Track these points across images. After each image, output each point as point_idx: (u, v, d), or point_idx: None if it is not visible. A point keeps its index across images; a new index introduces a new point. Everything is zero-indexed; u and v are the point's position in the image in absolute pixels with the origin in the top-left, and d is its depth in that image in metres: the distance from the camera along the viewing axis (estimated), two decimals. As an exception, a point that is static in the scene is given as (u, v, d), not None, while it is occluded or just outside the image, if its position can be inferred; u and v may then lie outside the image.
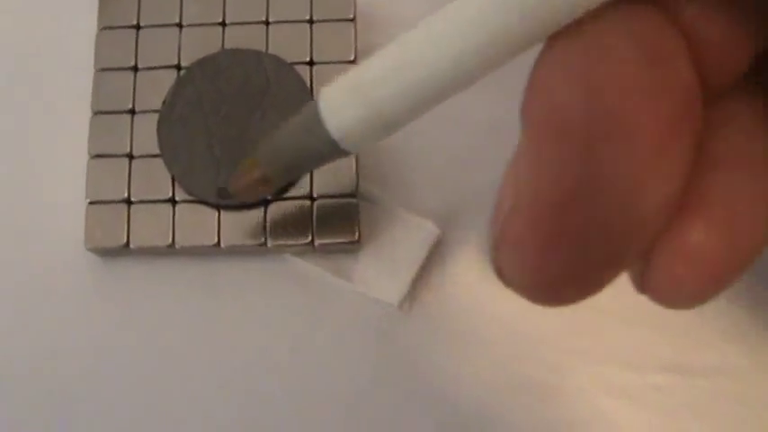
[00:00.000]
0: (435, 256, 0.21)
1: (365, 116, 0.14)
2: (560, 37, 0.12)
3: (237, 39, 0.21)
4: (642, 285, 0.13)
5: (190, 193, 0.20)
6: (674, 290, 0.12)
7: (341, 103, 0.14)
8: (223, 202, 0.20)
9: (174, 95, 0.21)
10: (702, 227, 0.12)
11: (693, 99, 0.12)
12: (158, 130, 0.21)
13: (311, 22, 0.21)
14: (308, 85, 0.21)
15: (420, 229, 0.21)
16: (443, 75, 0.13)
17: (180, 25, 0.22)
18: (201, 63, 0.21)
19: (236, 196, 0.18)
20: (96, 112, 0.21)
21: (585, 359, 0.20)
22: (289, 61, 0.21)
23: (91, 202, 0.21)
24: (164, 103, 0.21)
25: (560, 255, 0.11)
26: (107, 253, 0.21)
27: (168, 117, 0.21)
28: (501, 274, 0.12)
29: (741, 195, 0.12)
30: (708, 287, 0.12)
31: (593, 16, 0.11)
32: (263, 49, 0.21)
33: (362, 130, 0.14)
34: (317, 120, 0.14)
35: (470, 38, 0.12)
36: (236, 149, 0.20)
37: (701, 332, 0.21)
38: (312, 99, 0.20)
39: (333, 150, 0.15)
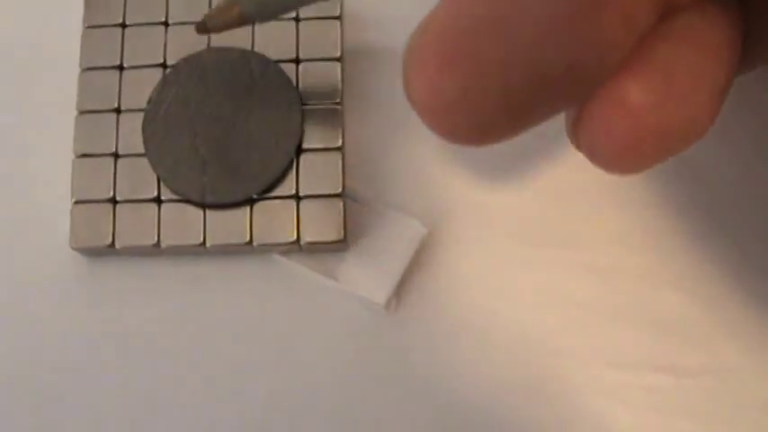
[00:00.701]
0: (422, 255, 0.21)
1: None
2: None
3: (223, 37, 0.21)
4: (577, 138, 0.13)
5: (175, 193, 0.20)
6: (608, 142, 0.13)
7: None
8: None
9: (160, 94, 0.21)
10: (640, 85, 0.12)
11: None
12: (143, 129, 0.21)
13: (297, 20, 0.21)
14: (295, 82, 0.21)
15: (407, 227, 0.21)
16: None
17: (166, 24, 0.21)
18: (187, 61, 0.21)
19: (213, 31, 0.19)
20: (81, 112, 0.21)
21: (577, 359, 0.20)
22: (275, 59, 0.21)
23: (76, 202, 0.20)
24: (149, 101, 0.21)
25: (458, 76, 0.12)
26: (92, 252, 0.21)
27: (153, 116, 0.21)
28: (408, 93, 0.12)
29: (684, 68, 0.13)
30: (640, 144, 0.12)
31: None
32: (249, 48, 0.21)
33: None
34: None
35: None
36: (221, 149, 0.20)
37: (695, 332, 0.20)
38: (298, 97, 0.20)
39: None
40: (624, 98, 0.12)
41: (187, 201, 0.20)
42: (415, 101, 0.12)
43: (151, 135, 0.21)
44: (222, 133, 0.20)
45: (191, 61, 0.21)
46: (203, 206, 0.20)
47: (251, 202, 0.20)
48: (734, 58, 0.13)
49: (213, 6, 0.19)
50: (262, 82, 0.21)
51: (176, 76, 0.21)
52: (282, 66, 0.21)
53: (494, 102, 0.12)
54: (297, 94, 0.21)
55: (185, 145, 0.20)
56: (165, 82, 0.21)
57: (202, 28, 0.19)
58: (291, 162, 0.20)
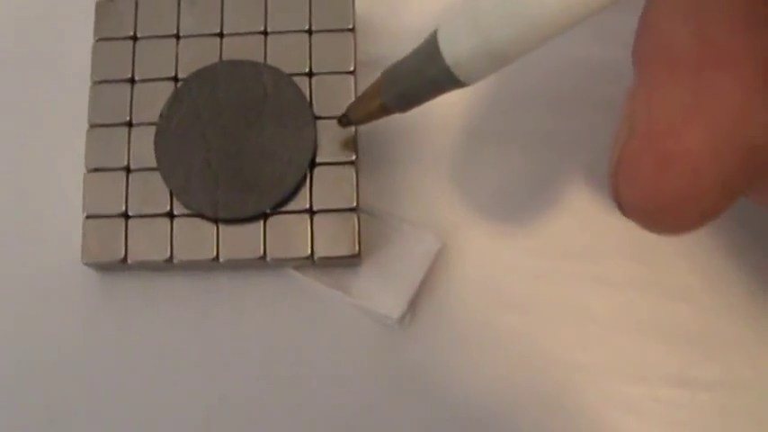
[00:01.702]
0: (437, 269, 0.21)
1: (477, 45, 0.14)
2: None
3: (235, 50, 0.21)
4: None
5: (187, 207, 0.20)
6: None
7: (457, 31, 0.15)
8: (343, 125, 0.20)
9: (171, 108, 0.21)
10: None
11: None
12: (155, 142, 0.20)
13: (310, 32, 0.21)
14: (308, 96, 0.21)
15: (421, 241, 0.20)
16: (551, 12, 0.13)
17: (177, 36, 0.21)
18: (198, 75, 0.21)
19: (356, 123, 0.19)
20: (93, 125, 0.21)
21: (590, 373, 0.20)
22: (288, 72, 0.21)
23: (88, 216, 0.20)
24: (161, 115, 0.21)
25: (674, 175, 0.12)
26: (104, 267, 0.21)
27: (165, 129, 0.21)
28: (619, 198, 0.13)
29: None
30: None
31: None
32: (262, 60, 0.21)
33: (475, 59, 0.15)
34: (435, 47, 0.15)
35: None
36: (233, 163, 0.20)
37: (710, 346, 0.20)
38: (311, 110, 0.20)
39: (447, 78, 0.15)
40: None
41: (200, 215, 0.20)
42: (631, 206, 0.13)
43: (163, 149, 0.20)
44: (235, 147, 0.20)
45: (202, 74, 0.21)
46: (216, 221, 0.20)
47: (264, 216, 0.20)
48: None
49: (355, 97, 0.19)
50: (274, 96, 0.20)
51: (188, 90, 0.21)
52: (295, 79, 0.21)
53: (711, 189, 0.12)
54: (309, 107, 0.20)
55: (198, 159, 0.20)
56: (176, 95, 0.21)
57: (345, 121, 0.19)
58: (305, 177, 0.20)
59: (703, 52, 0.12)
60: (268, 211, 0.20)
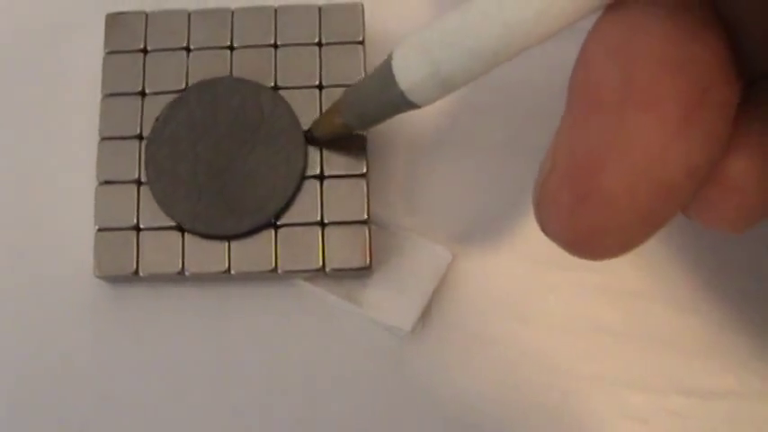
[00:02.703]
0: (447, 280, 0.21)
1: (428, 73, 0.15)
2: (606, 14, 0.13)
3: (245, 63, 0.21)
4: (688, 214, 0.14)
5: (168, 216, 0.20)
6: (712, 212, 0.14)
7: (408, 60, 0.15)
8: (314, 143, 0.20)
9: (168, 115, 0.21)
10: (741, 165, 0.13)
11: (723, 72, 0.13)
12: (146, 148, 0.21)
13: (320, 45, 0.21)
14: (318, 109, 0.21)
15: (432, 253, 0.21)
16: (493, 43, 0.14)
17: (188, 49, 0.21)
18: (199, 87, 0.21)
19: (320, 139, 0.20)
20: (104, 138, 0.21)
21: (601, 383, 0.20)
22: (299, 85, 0.21)
23: (99, 229, 0.20)
24: (156, 119, 0.21)
25: (591, 211, 0.13)
26: (116, 280, 0.21)
27: (159, 137, 0.21)
28: (543, 228, 0.14)
29: None
30: (747, 216, 0.14)
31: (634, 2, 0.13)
32: (273, 74, 0.21)
33: (426, 86, 0.15)
34: (389, 73, 0.16)
35: (519, 12, 0.13)
36: (219, 179, 0.20)
37: (719, 355, 0.20)
38: (302, 136, 0.20)
39: (402, 102, 0.16)
40: (729, 179, 0.13)
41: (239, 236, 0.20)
42: (553, 236, 0.13)
43: (152, 156, 0.20)
44: (223, 164, 0.20)
45: (203, 87, 0.21)
46: (227, 238, 0.20)
47: (275, 228, 0.20)
48: None
49: (318, 116, 0.20)
50: (270, 120, 0.20)
51: (187, 100, 0.21)
52: (305, 92, 0.21)
53: (628, 224, 0.13)
54: (302, 135, 0.20)
55: (184, 170, 0.20)
56: (174, 104, 0.21)
57: (310, 136, 0.20)
58: (288, 203, 0.20)
59: (627, 91, 0.12)
60: (278, 222, 0.20)
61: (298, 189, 0.20)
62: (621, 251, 0.13)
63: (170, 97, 0.21)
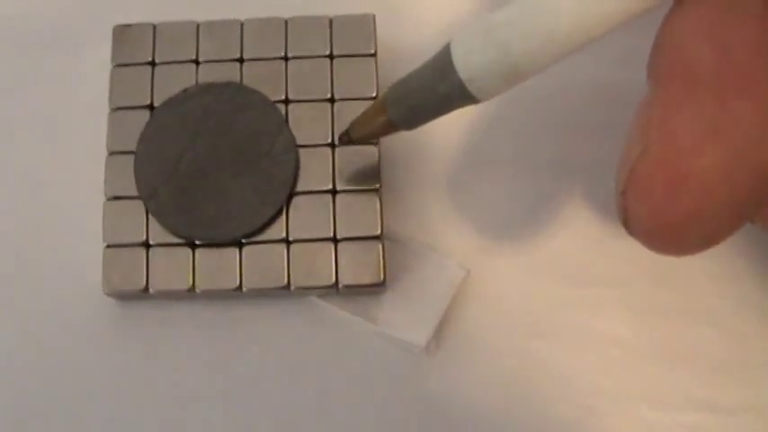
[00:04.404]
0: (462, 296, 0.20)
1: (494, 58, 0.14)
2: None
3: (255, 75, 0.21)
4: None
5: (167, 230, 0.20)
6: None
7: (471, 45, 0.14)
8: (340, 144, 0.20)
9: (162, 112, 0.21)
10: None
11: None
12: (140, 138, 0.20)
13: (331, 57, 0.21)
14: (330, 121, 0.20)
15: (446, 269, 0.20)
16: (567, 27, 0.13)
17: (196, 62, 0.21)
18: (206, 87, 0.21)
19: (357, 141, 0.18)
20: (112, 153, 0.21)
21: (616, 398, 0.20)
22: (310, 98, 0.21)
23: (108, 246, 0.20)
24: (149, 106, 0.21)
25: (687, 196, 0.12)
26: (125, 297, 0.20)
27: (145, 150, 0.20)
28: (627, 217, 0.13)
29: None
30: None
31: None
32: (284, 87, 0.21)
33: (491, 73, 0.14)
34: (447, 61, 0.15)
35: None
36: (199, 186, 0.20)
37: (734, 370, 0.20)
38: (295, 159, 0.20)
39: (461, 94, 0.15)
40: None
41: (222, 244, 0.20)
42: (639, 226, 0.13)
43: (144, 145, 0.20)
44: (211, 173, 0.20)
45: (213, 88, 0.21)
46: (240, 245, 0.20)
47: (287, 243, 0.20)
48: None
49: (359, 114, 0.18)
50: (268, 151, 0.20)
51: (185, 99, 0.21)
52: (317, 105, 0.21)
53: (721, 211, 0.12)
54: (295, 156, 0.20)
55: (173, 183, 0.20)
56: (169, 102, 0.21)
57: (345, 139, 0.18)
58: (274, 218, 0.20)
59: (724, 73, 0.12)
60: (290, 239, 0.20)
61: (286, 204, 0.20)
62: (706, 245, 0.13)
63: (179, 110, 0.21)
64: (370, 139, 0.18)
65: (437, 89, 0.15)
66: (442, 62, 0.15)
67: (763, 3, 0.12)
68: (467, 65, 0.14)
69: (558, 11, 0.13)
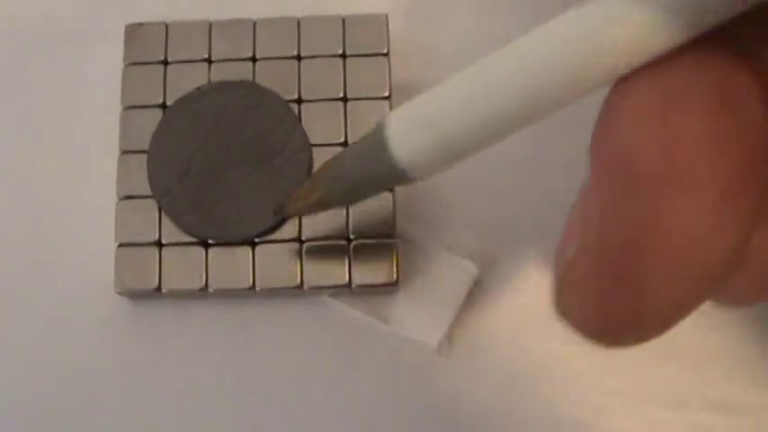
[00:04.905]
0: (475, 296, 0.20)
1: (433, 146, 0.13)
2: (630, 79, 0.12)
3: (268, 74, 0.21)
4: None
5: (180, 229, 0.20)
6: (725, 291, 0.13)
7: (408, 131, 0.14)
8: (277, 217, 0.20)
9: (174, 111, 0.21)
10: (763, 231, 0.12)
11: (766, 145, 0.12)
12: (153, 136, 0.20)
13: (344, 56, 0.21)
14: (343, 122, 0.20)
15: (459, 268, 0.20)
16: (512, 107, 0.12)
17: (209, 61, 0.21)
18: (219, 86, 0.21)
19: (292, 215, 0.18)
20: (124, 152, 0.20)
21: (627, 398, 0.20)
22: (323, 98, 0.21)
23: (120, 245, 0.20)
24: (162, 106, 0.21)
25: (623, 298, 0.11)
26: (138, 296, 0.20)
27: (158, 148, 0.20)
28: (565, 315, 0.12)
29: None
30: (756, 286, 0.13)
31: (664, 59, 0.11)
32: (296, 86, 0.21)
33: (430, 160, 0.14)
34: (383, 147, 0.14)
35: (541, 74, 0.12)
36: (212, 184, 0.20)
37: (743, 369, 0.20)
38: (309, 159, 0.20)
39: (398, 178, 0.15)
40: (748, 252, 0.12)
41: (235, 243, 0.20)
42: (575, 326, 0.12)
43: (156, 144, 0.20)
44: (220, 168, 0.20)
45: (225, 86, 0.21)
46: (253, 245, 0.20)
47: (300, 243, 0.20)
48: None
49: (296, 190, 0.18)
50: (282, 150, 0.20)
51: (198, 97, 0.21)
52: (330, 104, 0.21)
53: (660, 311, 0.12)
54: (309, 160, 0.20)
55: (185, 182, 0.20)
56: (186, 98, 0.21)
57: (279, 210, 0.18)
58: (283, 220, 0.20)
59: (667, 171, 0.11)
60: (304, 238, 0.20)
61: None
62: (647, 340, 0.12)
63: (191, 109, 0.21)
64: (306, 213, 0.19)
65: (371, 172, 0.15)
66: (376, 145, 0.14)
67: (706, 92, 0.11)
68: (402, 149, 0.14)
69: (498, 95, 0.12)
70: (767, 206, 0.12)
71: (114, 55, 0.21)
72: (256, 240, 0.20)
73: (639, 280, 0.11)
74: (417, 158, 0.14)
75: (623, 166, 0.11)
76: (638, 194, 0.11)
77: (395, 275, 0.20)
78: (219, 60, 0.21)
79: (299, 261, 0.20)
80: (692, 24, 0.11)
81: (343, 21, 0.21)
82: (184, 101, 0.21)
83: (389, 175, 0.15)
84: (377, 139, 0.14)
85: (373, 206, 0.20)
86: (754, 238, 0.12)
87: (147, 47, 0.21)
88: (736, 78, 0.11)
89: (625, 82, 0.12)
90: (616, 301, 0.12)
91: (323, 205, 0.17)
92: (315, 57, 0.21)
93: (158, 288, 0.20)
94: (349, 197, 0.17)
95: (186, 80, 0.21)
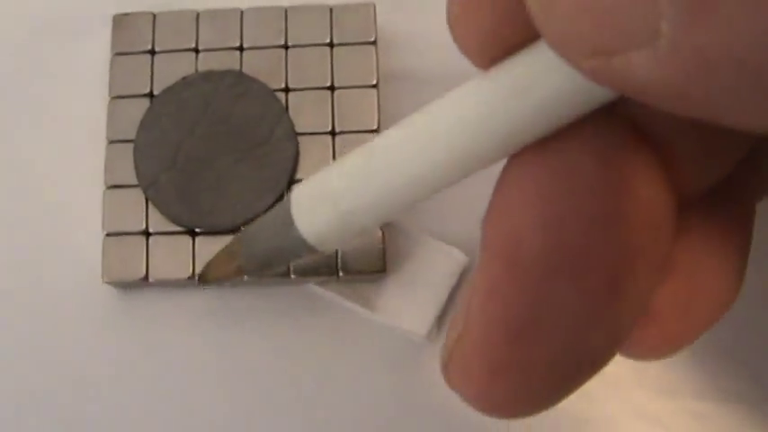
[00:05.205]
0: (463, 284, 0.20)
1: (335, 223, 0.14)
2: (522, 155, 0.11)
3: (255, 64, 0.21)
4: None
5: (167, 218, 0.20)
6: (632, 348, 0.13)
7: (311, 208, 0.14)
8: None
9: (161, 100, 0.20)
10: (666, 297, 0.12)
11: (655, 225, 0.11)
12: (140, 124, 0.20)
13: (331, 45, 0.21)
14: (330, 110, 0.20)
15: (447, 256, 0.20)
16: (410, 185, 0.12)
17: (196, 50, 0.21)
18: (206, 75, 0.21)
19: (214, 282, 0.19)
20: (112, 141, 0.20)
21: (618, 386, 0.20)
22: (309, 86, 0.21)
23: (108, 234, 0.20)
24: (149, 95, 0.21)
25: (507, 383, 0.11)
26: (125, 286, 0.20)
27: (144, 138, 0.20)
28: (452, 389, 0.12)
29: (707, 263, 0.13)
30: (665, 348, 0.13)
31: (556, 135, 0.11)
32: (284, 75, 0.21)
33: (333, 235, 0.14)
34: (289, 222, 0.15)
35: (435, 153, 0.12)
36: (199, 173, 0.20)
37: (737, 356, 0.20)
38: (295, 148, 0.20)
39: (305, 249, 0.15)
40: (653, 310, 0.12)
41: (222, 232, 0.20)
42: (464, 400, 0.12)
43: (143, 134, 0.20)
44: (205, 158, 0.20)
45: (213, 75, 0.21)
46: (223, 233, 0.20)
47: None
48: (751, 223, 0.13)
49: (212, 258, 0.18)
50: (269, 138, 0.20)
51: (185, 87, 0.21)
52: (317, 93, 0.20)
53: (544, 391, 0.12)
54: (295, 145, 0.20)
55: (171, 172, 0.20)
56: (171, 89, 0.21)
57: (203, 279, 0.19)
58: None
59: (549, 255, 0.11)
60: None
61: (287, 191, 0.20)
62: (539, 412, 0.12)
63: (178, 99, 0.21)
64: (224, 280, 0.19)
65: (281, 245, 0.16)
66: (284, 221, 0.15)
67: (599, 170, 0.11)
68: (309, 227, 0.14)
69: (391, 174, 0.12)
70: (659, 281, 0.12)
71: (102, 45, 0.21)
72: (243, 229, 0.20)
73: (521, 366, 0.11)
74: (320, 233, 0.14)
75: (507, 248, 0.11)
76: (520, 280, 0.11)
77: (383, 263, 0.20)
78: (207, 50, 0.21)
79: (286, 249, 0.20)
80: (581, 103, 0.10)
81: (331, 10, 0.21)
82: (171, 90, 0.21)
83: (298, 248, 0.15)
84: (284, 215, 0.15)
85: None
86: (657, 295, 0.12)
87: (134, 37, 0.21)
88: (629, 152, 0.11)
89: (515, 157, 0.11)
90: (498, 384, 0.11)
91: (239, 273, 0.18)
92: (302, 46, 0.21)
93: (146, 277, 0.20)
94: (263, 267, 0.17)
95: (173, 69, 0.21)
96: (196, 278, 0.19)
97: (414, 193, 0.13)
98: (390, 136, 0.13)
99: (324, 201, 0.14)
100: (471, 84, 0.11)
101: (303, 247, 0.15)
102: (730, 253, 0.13)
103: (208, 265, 0.18)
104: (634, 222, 0.11)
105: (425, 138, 0.12)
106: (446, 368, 0.12)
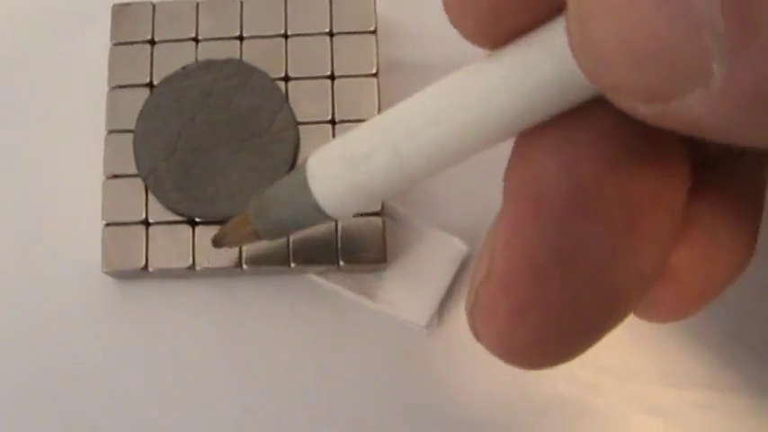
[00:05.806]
0: (463, 274, 0.20)
1: (350, 189, 0.14)
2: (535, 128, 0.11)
3: (255, 53, 0.21)
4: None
5: (166, 207, 0.20)
6: (653, 308, 0.13)
7: (327, 173, 0.14)
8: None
9: (161, 90, 0.20)
10: (685, 253, 0.12)
11: (674, 171, 0.12)
12: (140, 114, 0.20)
13: (331, 34, 0.21)
14: (330, 99, 0.20)
15: (447, 246, 0.20)
16: (425, 157, 0.12)
17: (196, 40, 0.21)
18: (206, 65, 0.21)
19: (228, 246, 0.19)
20: (111, 131, 0.20)
21: (620, 376, 0.20)
22: (310, 75, 0.20)
23: (107, 224, 0.20)
24: (149, 85, 0.20)
25: (531, 323, 0.11)
26: (125, 276, 0.20)
27: (144, 128, 0.20)
28: (477, 338, 0.12)
29: (724, 220, 0.13)
30: (684, 308, 0.13)
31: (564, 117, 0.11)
32: (284, 64, 0.21)
33: (347, 201, 0.14)
34: (304, 187, 0.15)
35: (456, 118, 0.12)
36: (199, 163, 0.20)
37: (739, 348, 0.20)
38: (295, 137, 0.20)
39: (319, 216, 0.15)
40: (670, 269, 0.12)
41: (222, 222, 0.20)
42: (488, 347, 0.12)
43: (143, 123, 0.20)
44: (209, 151, 0.20)
45: (212, 65, 0.21)
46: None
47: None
48: (764, 188, 0.13)
49: (226, 223, 0.18)
50: (268, 128, 0.20)
51: (185, 76, 0.20)
52: (317, 82, 0.20)
53: (566, 336, 0.12)
54: (295, 133, 0.20)
55: (171, 160, 0.20)
56: (169, 79, 0.20)
57: (218, 243, 0.19)
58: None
59: (570, 193, 0.11)
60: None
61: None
62: (561, 362, 0.12)
63: (178, 88, 0.21)
64: (241, 245, 0.19)
65: (296, 209, 0.16)
66: (299, 187, 0.15)
67: (616, 119, 0.11)
68: (324, 193, 0.14)
69: (409, 143, 0.12)
70: (679, 228, 0.12)
71: (101, 35, 0.21)
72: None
73: (544, 305, 0.11)
74: (335, 199, 0.14)
75: (530, 189, 0.11)
76: (542, 219, 0.11)
77: (383, 254, 0.20)
78: (206, 39, 0.21)
79: (286, 240, 0.20)
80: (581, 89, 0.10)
81: (331, -1, 0.21)
82: (171, 80, 0.21)
83: (310, 213, 0.15)
84: (298, 179, 0.15)
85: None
86: (673, 256, 0.12)
87: (133, 26, 0.21)
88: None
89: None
90: (522, 325, 0.11)
91: (255, 237, 0.18)
92: (302, 35, 0.21)
93: (145, 267, 0.20)
94: (276, 231, 0.17)
95: (173, 59, 0.21)
96: (214, 242, 0.19)
97: (426, 166, 0.13)
98: (408, 104, 0.13)
99: (340, 166, 0.14)
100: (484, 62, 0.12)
101: (317, 212, 0.15)
102: (745, 215, 0.13)
103: (223, 230, 0.18)
104: (653, 166, 0.11)
105: (449, 105, 0.12)
106: (471, 314, 0.12)
